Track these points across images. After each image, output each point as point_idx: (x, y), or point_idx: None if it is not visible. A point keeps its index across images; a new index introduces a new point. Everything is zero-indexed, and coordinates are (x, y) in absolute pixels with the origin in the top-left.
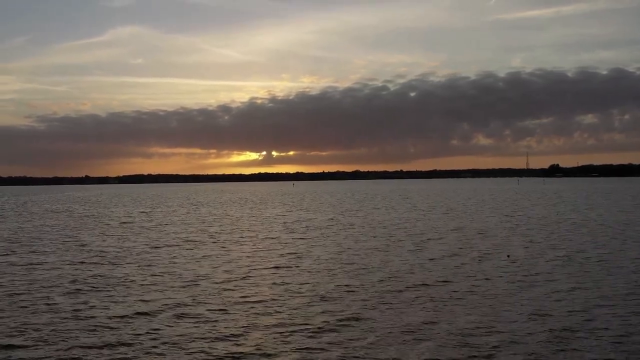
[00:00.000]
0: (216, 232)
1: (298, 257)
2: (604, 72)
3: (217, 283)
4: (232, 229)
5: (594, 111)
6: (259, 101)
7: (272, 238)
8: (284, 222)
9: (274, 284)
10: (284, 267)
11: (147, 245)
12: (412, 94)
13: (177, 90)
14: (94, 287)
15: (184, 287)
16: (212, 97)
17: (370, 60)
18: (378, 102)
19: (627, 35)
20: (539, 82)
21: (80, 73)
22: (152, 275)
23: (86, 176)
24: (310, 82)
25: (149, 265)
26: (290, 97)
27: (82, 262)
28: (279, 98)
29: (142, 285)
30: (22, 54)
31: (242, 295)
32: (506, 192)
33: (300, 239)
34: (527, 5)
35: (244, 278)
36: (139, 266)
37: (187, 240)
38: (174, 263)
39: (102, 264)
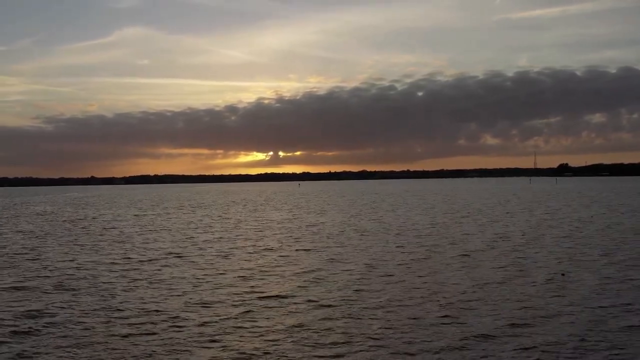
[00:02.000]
0: (206, 241)
1: (306, 279)
2: (613, 71)
3: (188, 324)
4: (226, 237)
5: (603, 110)
6: (266, 101)
7: (272, 249)
8: (287, 228)
9: (280, 326)
10: (288, 296)
11: (118, 259)
12: (420, 94)
13: (183, 90)
14: (17, 327)
15: (141, 331)
16: (219, 98)
17: (377, 60)
18: (385, 102)
19: (633, 35)
20: (547, 82)
21: (87, 74)
22: (105, 308)
23: (92, 177)
24: (317, 82)
25: (110, 295)
26: (298, 97)
27: (26, 287)
28: (286, 98)
29: (84, 326)
30: (29, 55)
31: (223, 345)
32: (526, 192)
33: (305, 250)
34: (532, 4)
35: (227, 318)
36: (91, 295)
37: (169, 253)
38: (137, 290)
39: (49, 288)
